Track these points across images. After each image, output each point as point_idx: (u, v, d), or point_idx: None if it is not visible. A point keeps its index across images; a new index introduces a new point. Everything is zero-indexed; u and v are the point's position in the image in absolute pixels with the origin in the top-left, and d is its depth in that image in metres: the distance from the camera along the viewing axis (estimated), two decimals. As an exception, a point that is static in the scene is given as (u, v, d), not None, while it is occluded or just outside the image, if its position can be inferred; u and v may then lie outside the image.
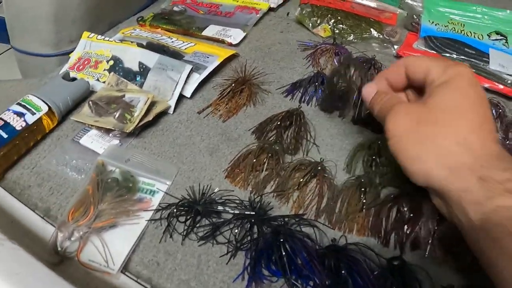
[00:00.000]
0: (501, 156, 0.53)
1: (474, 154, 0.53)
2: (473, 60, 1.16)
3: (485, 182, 0.50)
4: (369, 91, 0.72)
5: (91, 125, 0.86)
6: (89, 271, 0.64)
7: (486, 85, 1.08)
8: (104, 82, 0.97)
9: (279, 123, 0.88)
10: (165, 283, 0.63)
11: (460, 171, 0.53)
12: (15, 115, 0.79)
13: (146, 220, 0.70)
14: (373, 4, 1.39)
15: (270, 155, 0.80)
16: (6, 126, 0.77)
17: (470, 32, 1.27)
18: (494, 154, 0.53)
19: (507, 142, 0.92)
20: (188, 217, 0.70)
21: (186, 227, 0.69)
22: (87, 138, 0.85)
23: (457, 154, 0.54)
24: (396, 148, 0.60)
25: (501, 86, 1.08)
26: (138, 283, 0.64)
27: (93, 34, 1.07)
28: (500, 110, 0.99)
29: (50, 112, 0.84)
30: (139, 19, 1.28)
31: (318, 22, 1.30)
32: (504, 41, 1.25)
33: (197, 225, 0.70)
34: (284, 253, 0.63)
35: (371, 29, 1.27)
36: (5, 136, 0.76)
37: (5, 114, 0.79)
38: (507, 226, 0.47)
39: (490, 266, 0.49)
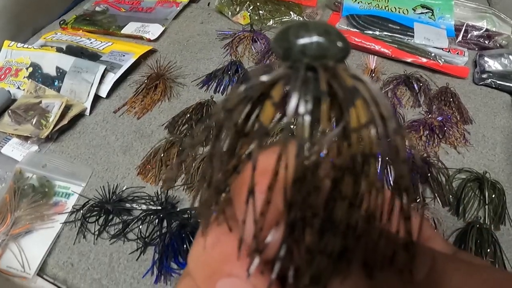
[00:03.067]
0: None
1: None
2: (397, 35, 1.19)
3: None
4: None
5: (12, 134, 0.88)
6: (9, 277, 0.67)
7: (409, 60, 1.11)
8: (24, 89, 0.98)
9: (189, 115, 0.91)
10: (79, 283, 0.66)
11: None
12: None
13: (61, 223, 0.73)
14: (292, -13, 1.40)
15: (180, 148, 0.83)
16: None
17: (395, 8, 1.29)
18: None
19: (430, 116, 0.94)
20: (99, 217, 0.73)
21: (98, 227, 0.72)
22: (8, 147, 0.87)
23: None
24: None
25: (424, 60, 1.11)
26: (55, 285, 0.67)
27: (13, 43, 1.08)
28: (422, 84, 1.02)
29: (-29, 124, 0.85)
30: (61, 22, 1.28)
31: (238, 10, 1.31)
32: (430, 14, 1.27)
33: (109, 224, 0.73)
34: (190, 245, 0.66)
35: (291, 12, 1.29)
36: None
37: None
38: None
39: None
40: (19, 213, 0.71)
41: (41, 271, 0.68)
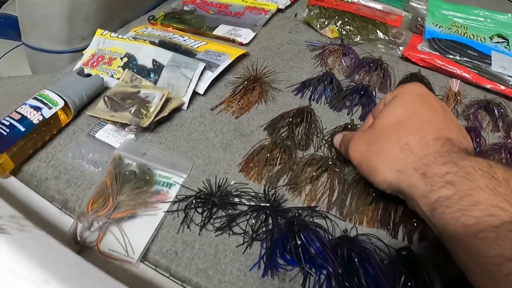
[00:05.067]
0: (441, 152, 0.58)
1: (416, 155, 0.59)
2: (475, 61, 1.18)
3: (426, 177, 0.56)
4: (336, 138, 0.81)
5: (107, 120, 0.87)
6: (109, 260, 0.65)
7: (488, 86, 1.11)
8: (118, 78, 0.98)
9: (290, 119, 0.90)
10: (183, 271, 0.65)
11: (406, 171, 0.59)
12: (32, 109, 0.81)
13: (163, 212, 0.72)
14: (379, 7, 1.40)
15: (282, 150, 0.82)
16: (24, 120, 0.79)
17: (473, 35, 1.29)
18: (435, 152, 0.58)
19: (509, 141, 0.94)
20: (205, 209, 0.72)
21: (203, 218, 0.71)
22: (103, 132, 0.86)
23: (403, 158, 0.60)
24: (361, 171, 0.68)
25: (503, 87, 1.10)
26: (157, 271, 0.66)
27: (106, 32, 1.08)
28: (502, 110, 1.02)
29: (66, 107, 0.85)
30: (150, 18, 1.29)
31: (326, 23, 1.31)
32: (506, 43, 1.27)
33: (214, 217, 0.72)
34: (298, 243, 0.65)
35: (377, 31, 1.28)
36: (22, 129, 0.78)
37: (21, 108, 0.81)
38: (445, 213, 0.52)
39: (450, 251, 0.56)
40: (122, 198, 0.70)
41: (142, 257, 0.66)
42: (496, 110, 1.02)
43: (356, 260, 0.64)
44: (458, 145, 0.60)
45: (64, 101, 0.85)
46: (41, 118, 0.80)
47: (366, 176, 0.67)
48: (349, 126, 0.90)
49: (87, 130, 0.87)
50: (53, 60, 1.22)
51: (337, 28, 1.30)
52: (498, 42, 1.27)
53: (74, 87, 0.89)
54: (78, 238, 0.67)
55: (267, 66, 1.10)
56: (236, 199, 0.73)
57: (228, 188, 0.76)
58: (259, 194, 0.75)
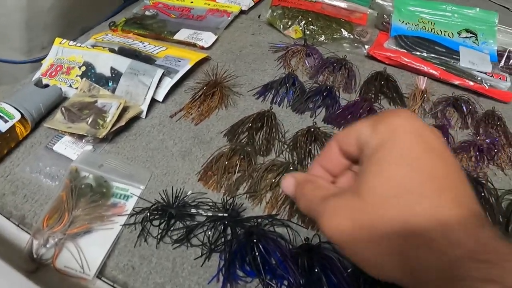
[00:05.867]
0: (476, 252, 0.37)
1: (439, 257, 0.38)
2: (443, 58, 1.19)
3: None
4: (286, 184, 0.56)
5: (64, 132, 0.86)
6: (65, 278, 0.64)
7: (457, 82, 1.12)
8: (76, 88, 0.97)
9: (250, 124, 0.90)
10: (141, 287, 0.64)
11: (426, 277, 0.39)
12: (-12, 123, 0.79)
13: (120, 225, 0.71)
14: (343, 5, 1.40)
15: (242, 156, 0.81)
16: (-21, 134, 0.77)
17: (440, 31, 1.29)
18: (469, 253, 0.37)
19: (478, 137, 0.94)
20: (162, 221, 0.71)
21: (160, 231, 0.70)
22: (61, 144, 0.85)
23: (419, 258, 0.39)
24: (347, 253, 0.45)
25: (471, 83, 1.11)
26: (114, 287, 0.65)
27: (65, 40, 1.07)
28: (470, 107, 1.03)
29: (23, 119, 0.84)
30: (111, 24, 1.27)
31: (289, 23, 1.31)
32: (474, 38, 1.27)
33: (171, 229, 0.71)
34: (257, 254, 0.64)
35: (342, 30, 1.28)
36: (-22, 144, 0.76)
37: (-23, 122, 0.79)
38: None
39: None
40: (77, 213, 0.69)
41: (99, 273, 0.65)
42: (464, 107, 1.02)
43: (317, 269, 0.63)
44: (484, 219, 0.40)
45: (21, 113, 0.83)
46: (-3, 132, 0.79)
47: (354, 261, 0.45)
48: (312, 130, 0.89)
49: (45, 143, 0.86)
50: (14, 71, 1.21)
51: (300, 28, 1.29)
52: (466, 37, 1.28)
53: (31, 99, 0.88)
54: (34, 256, 0.65)
55: (228, 69, 1.10)
56: (194, 210, 0.72)
57: (185, 198, 0.75)
58: (218, 204, 0.74)
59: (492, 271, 0.34)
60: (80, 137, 0.85)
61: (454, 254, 0.36)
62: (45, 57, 1.07)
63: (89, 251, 0.67)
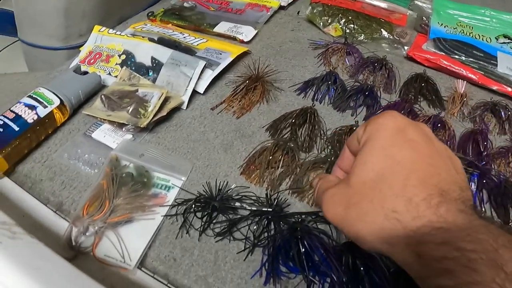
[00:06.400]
0: (435, 222, 0.46)
1: (405, 227, 0.47)
2: (481, 62, 1.17)
3: (421, 258, 0.46)
4: (313, 184, 0.67)
5: (104, 119, 0.85)
6: (105, 267, 0.63)
7: (495, 88, 1.10)
8: (116, 76, 0.96)
9: (293, 120, 0.89)
10: (182, 279, 0.63)
11: (397, 245, 0.48)
12: (27, 108, 0.79)
13: (162, 216, 0.70)
14: (383, 5, 1.39)
15: (285, 152, 0.81)
16: (18, 118, 0.77)
17: (479, 35, 1.27)
18: (428, 222, 0.46)
19: None
20: (205, 213, 0.70)
21: (202, 223, 0.69)
22: (100, 132, 0.84)
23: (390, 229, 0.48)
24: (343, 232, 0.55)
25: (509, 89, 1.09)
26: (155, 278, 0.64)
27: (104, 28, 1.06)
28: (509, 112, 1.01)
29: (61, 106, 0.83)
30: (150, 14, 1.28)
31: (329, 21, 1.30)
32: (512, 44, 1.25)
33: (214, 221, 0.70)
34: (301, 250, 0.63)
35: (382, 30, 1.27)
36: (16, 129, 0.76)
37: (16, 106, 0.79)
38: None
39: None
40: (118, 201, 0.68)
41: (140, 264, 0.64)
42: (502, 113, 1.01)
43: (361, 268, 0.62)
44: (453, 197, 0.48)
45: (60, 99, 0.83)
46: (36, 117, 0.79)
47: (349, 237, 0.57)
48: (354, 128, 0.87)
49: (83, 130, 0.85)
50: (50, 57, 1.21)
51: (340, 26, 1.28)
52: (504, 43, 1.26)
53: (70, 85, 0.87)
54: (73, 243, 0.64)
55: (269, 64, 1.09)
56: (237, 204, 0.71)
57: (228, 191, 0.74)
58: (261, 198, 0.73)
59: (445, 235, 0.44)
60: (120, 125, 0.84)
61: (415, 225, 0.46)
62: (82, 45, 1.08)
63: (130, 241, 0.66)
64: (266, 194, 0.74)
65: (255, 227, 0.69)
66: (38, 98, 0.81)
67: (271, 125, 0.90)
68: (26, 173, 0.76)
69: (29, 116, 0.78)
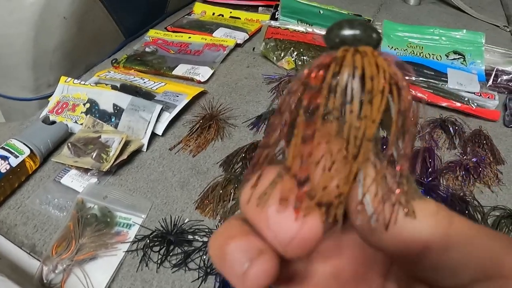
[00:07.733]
0: None
1: None
2: (431, 80, 1.23)
3: None
4: None
5: (71, 166, 0.91)
6: (73, 301, 0.69)
7: (444, 104, 1.15)
8: (81, 124, 1.02)
9: (243, 155, 0.95)
10: (143, 308, 0.69)
11: None
12: (0, 159, 0.85)
13: (123, 252, 0.76)
14: (333, 35, 1.43)
15: (236, 185, 0.86)
16: (-8, 169, 0.83)
17: (429, 54, 1.34)
18: None
19: (465, 157, 0.98)
20: (162, 247, 0.76)
21: (160, 256, 0.75)
22: (68, 177, 0.90)
23: None
24: None
25: (459, 104, 1.14)
26: (118, 309, 0.70)
27: (69, 79, 1.13)
28: (457, 127, 1.06)
29: (32, 155, 0.90)
30: (113, 61, 1.33)
31: (282, 55, 1.35)
32: (462, 59, 1.32)
33: (170, 254, 0.76)
34: None
35: (333, 59, 1.31)
36: (-10, 179, 0.82)
37: (-11, 158, 0.85)
38: None
39: None
40: (83, 241, 0.74)
41: (105, 297, 0.70)
42: (451, 128, 1.06)
43: None
44: None
45: (30, 149, 0.89)
46: (8, 167, 0.85)
47: None
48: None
49: (53, 176, 0.91)
50: (23, 107, 1.27)
51: (293, 59, 1.34)
52: (454, 59, 1.33)
53: (39, 135, 0.94)
54: (44, 281, 0.71)
55: (224, 102, 1.15)
56: (191, 236, 0.77)
57: (183, 226, 0.80)
58: (213, 230, 0.79)
59: None
60: (86, 170, 0.91)
61: None
62: (52, 94, 1.13)
63: (94, 276, 0.72)
64: (216, 226, 0.80)
65: (206, 257, 0.74)
66: (10, 149, 0.87)
67: (225, 161, 0.95)
68: (2, 219, 0.82)
69: (2, 167, 0.84)
